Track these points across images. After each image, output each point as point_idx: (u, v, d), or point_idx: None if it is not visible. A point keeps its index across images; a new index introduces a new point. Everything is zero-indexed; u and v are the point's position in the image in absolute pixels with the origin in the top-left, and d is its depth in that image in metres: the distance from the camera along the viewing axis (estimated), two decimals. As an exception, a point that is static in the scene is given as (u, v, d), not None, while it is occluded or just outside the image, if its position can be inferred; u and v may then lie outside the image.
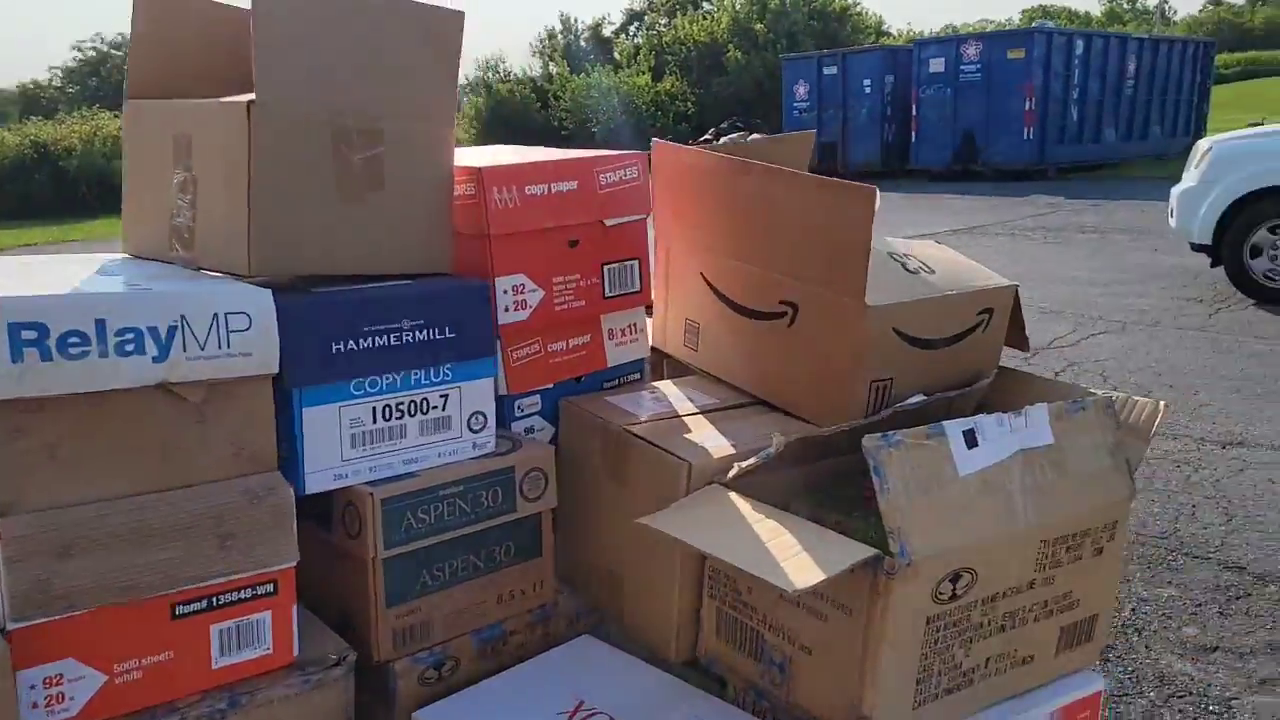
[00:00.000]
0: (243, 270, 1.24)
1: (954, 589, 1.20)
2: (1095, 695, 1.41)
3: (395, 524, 1.31)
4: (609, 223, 1.56)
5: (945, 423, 1.23)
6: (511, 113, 21.01)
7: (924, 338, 1.48)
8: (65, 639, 1.06)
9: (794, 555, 1.16)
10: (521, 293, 1.49)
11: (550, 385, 1.58)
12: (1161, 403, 1.48)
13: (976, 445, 1.25)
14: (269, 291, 1.17)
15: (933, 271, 1.54)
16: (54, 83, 43.78)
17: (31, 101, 38.71)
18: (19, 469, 1.02)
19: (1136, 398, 1.52)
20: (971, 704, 1.29)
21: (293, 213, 1.26)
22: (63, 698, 1.07)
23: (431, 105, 1.39)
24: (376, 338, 1.29)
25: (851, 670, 1.19)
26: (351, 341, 1.27)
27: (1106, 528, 1.36)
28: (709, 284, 1.61)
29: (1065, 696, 1.37)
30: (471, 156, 1.55)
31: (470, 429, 1.41)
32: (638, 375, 1.73)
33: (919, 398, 1.46)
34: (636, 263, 1.62)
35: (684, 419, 1.49)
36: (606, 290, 1.59)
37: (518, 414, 1.56)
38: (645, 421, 1.47)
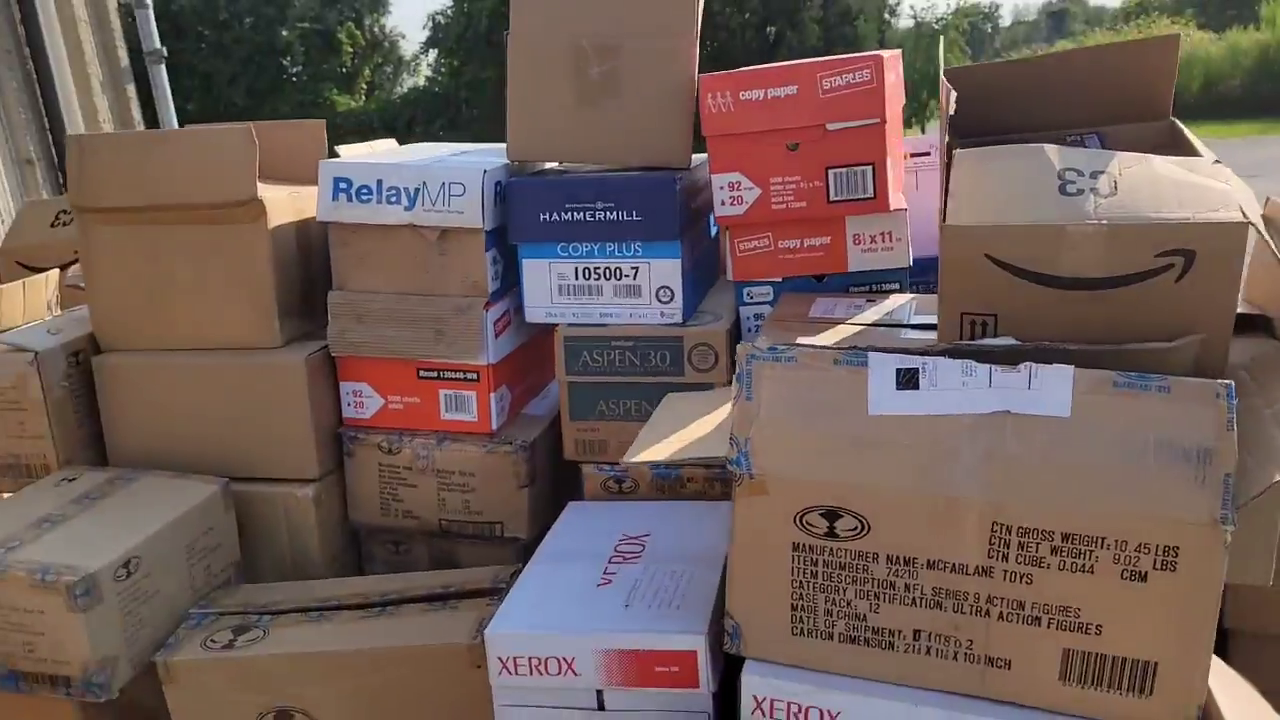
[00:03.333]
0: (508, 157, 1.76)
1: (832, 528, 1.13)
2: (1125, 761, 1.09)
3: (574, 357, 1.71)
4: (831, 127, 1.60)
5: (878, 353, 1.13)
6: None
7: (1048, 273, 1.22)
8: (362, 370, 1.79)
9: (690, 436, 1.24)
10: (737, 189, 1.67)
11: (779, 279, 1.73)
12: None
13: (915, 388, 1.11)
14: (481, 170, 1.67)
15: (1116, 194, 1.22)
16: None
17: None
18: (346, 266, 1.76)
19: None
20: (888, 671, 1.17)
21: (537, 116, 1.72)
22: (362, 405, 1.81)
23: (670, 23, 1.66)
24: (575, 213, 1.68)
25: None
26: (555, 214, 1.69)
27: (1150, 549, 1.04)
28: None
29: (1052, 730, 1.11)
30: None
31: (659, 300, 1.70)
32: (896, 285, 1.71)
33: (1008, 341, 1.23)
34: (869, 168, 1.61)
35: (837, 329, 1.52)
36: (831, 194, 1.63)
37: (746, 300, 1.75)
38: (799, 323, 1.54)
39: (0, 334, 1.81)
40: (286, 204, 1.78)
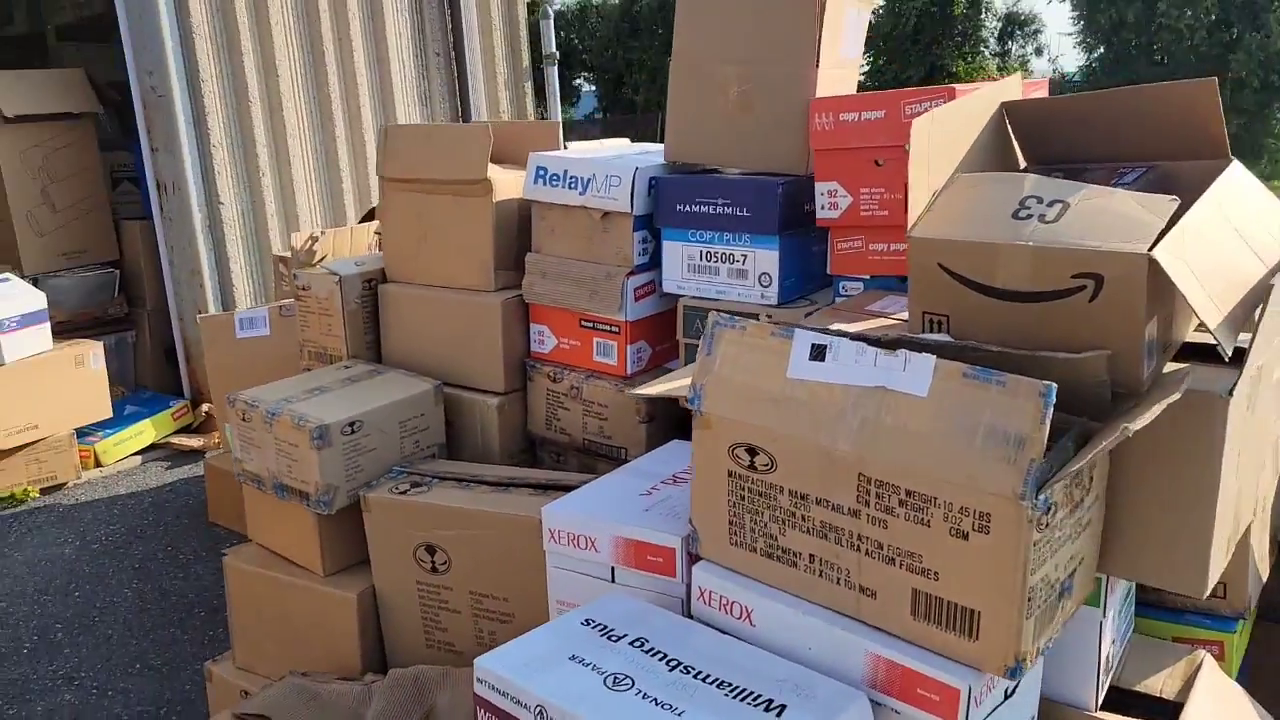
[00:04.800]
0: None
1: (752, 461, 1.45)
2: (952, 689, 1.30)
3: (690, 323, 2.10)
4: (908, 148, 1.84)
5: (801, 329, 1.42)
6: None
7: (985, 284, 1.42)
8: (544, 315, 2.31)
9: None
10: (834, 196, 1.96)
11: (868, 276, 1.98)
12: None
13: (822, 360, 1.40)
14: (634, 166, 2.11)
15: (1054, 222, 1.39)
16: None
17: None
18: (541, 234, 2.29)
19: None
20: (793, 583, 1.46)
21: (689, 125, 2.12)
22: (543, 342, 2.34)
23: (793, 52, 1.98)
24: (702, 206, 2.07)
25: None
26: (689, 205, 2.08)
27: (972, 513, 1.26)
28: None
29: (899, 654, 1.34)
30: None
31: (760, 284, 2.03)
32: (970, 291, 1.88)
33: (941, 337, 1.45)
34: (942, 185, 1.82)
35: (873, 320, 1.77)
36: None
37: (841, 293, 2.03)
38: (853, 313, 1.82)
39: (323, 261, 2.57)
40: (513, 184, 2.34)
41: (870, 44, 20.37)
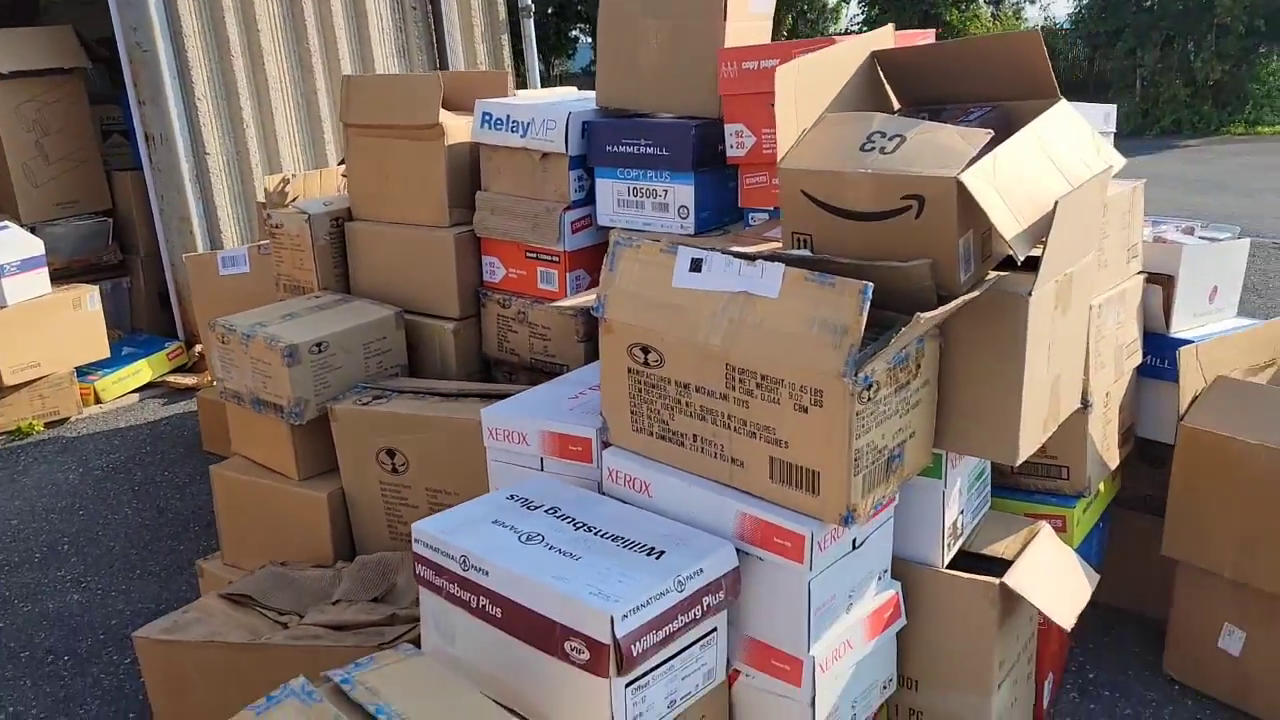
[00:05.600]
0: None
1: (646, 358, 1.73)
2: (799, 535, 1.59)
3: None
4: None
5: (683, 246, 1.70)
6: None
7: (837, 206, 1.69)
8: (493, 248, 2.58)
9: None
10: (740, 136, 2.21)
11: (772, 208, 2.24)
12: (921, 316, 1.41)
13: (699, 271, 1.67)
14: (568, 111, 2.36)
15: (892, 153, 1.65)
16: None
17: None
18: (488, 174, 2.55)
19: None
20: (681, 460, 1.74)
21: (616, 73, 2.37)
22: (494, 272, 2.61)
23: (705, 7, 2.23)
24: (628, 147, 2.32)
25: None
26: (617, 146, 2.34)
27: (808, 390, 1.54)
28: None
29: (760, 510, 1.62)
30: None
31: (679, 216, 2.30)
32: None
33: (803, 252, 1.72)
34: (828, 126, 2.08)
35: (760, 244, 2.04)
36: (802, 144, 2.12)
37: (750, 223, 2.29)
38: (749, 239, 2.09)
39: (295, 202, 2.83)
40: (464, 129, 2.60)
41: (864, -7, 20.40)
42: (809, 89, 1.81)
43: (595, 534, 1.66)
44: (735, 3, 2.24)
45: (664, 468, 1.77)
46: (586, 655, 1.45)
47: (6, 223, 4.35)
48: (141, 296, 5.23)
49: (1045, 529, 1.99)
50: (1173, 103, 13.12)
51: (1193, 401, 2.13)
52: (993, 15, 19.36)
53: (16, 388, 4.27)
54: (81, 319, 4.44)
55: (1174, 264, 2.26)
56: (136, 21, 4.56)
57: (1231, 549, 2.07)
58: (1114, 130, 2.67)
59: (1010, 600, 1.83)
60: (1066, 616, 1.82)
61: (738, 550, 1.65)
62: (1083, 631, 2.44)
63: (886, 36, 2.01)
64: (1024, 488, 2.14)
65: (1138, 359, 2.25)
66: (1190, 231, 2.46)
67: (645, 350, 1.72)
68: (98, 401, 4.61)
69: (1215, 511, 2.07)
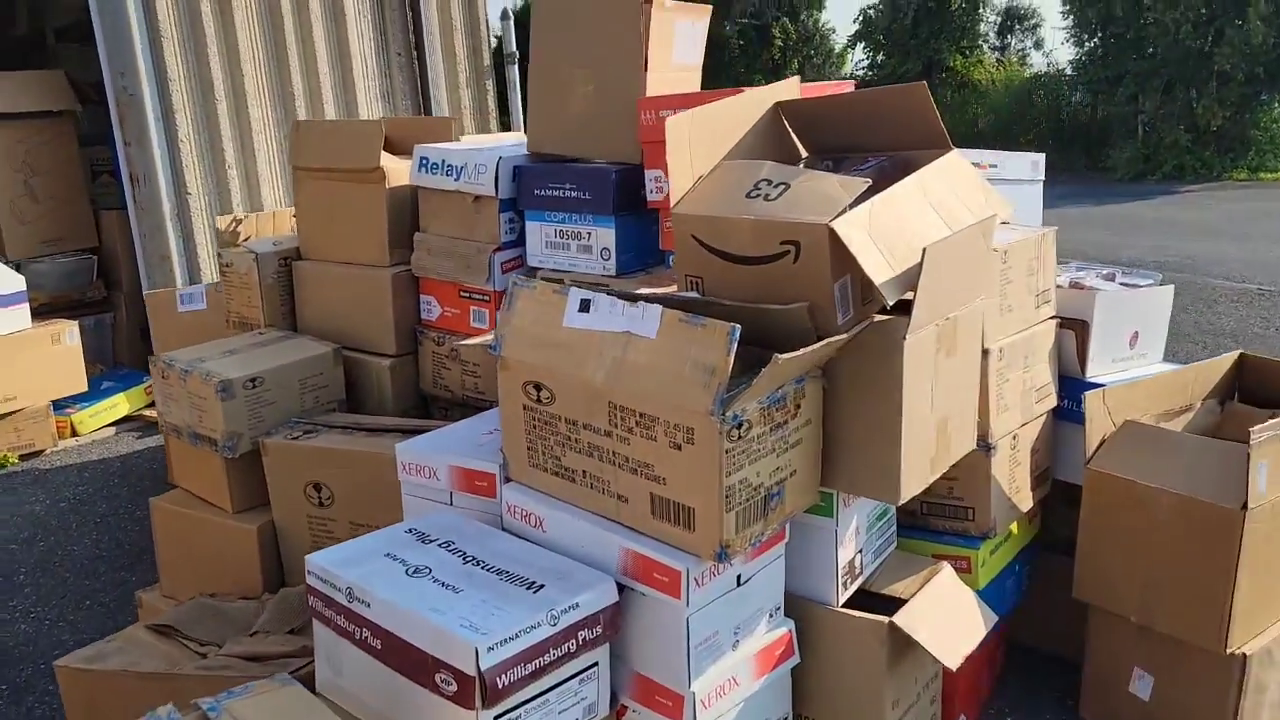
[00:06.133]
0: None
1: (539, 395, 1.78)
2: (675, 570, 1.62)
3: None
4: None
5: (574, 288, 1.75)
6: None
7: (723, 250, 1.74)
8: (430, 287, 2.64)
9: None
10: (659, 182, 2.27)
11: (690, 250, 2.29)
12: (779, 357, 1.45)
13: (587, 312, 1.72)
14: (499, 156, 2.43)
15: (775, 200, 1.71)
16: None
17: None
18: (426, 215, 2.62)
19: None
20: (572, 495, 1.78)
21: (546, 121, 2.44)
22: (430, 310, 2.67)
23: (626, 59, 2.30)
24: (553, 190, 2.39)
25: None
26: (543, 190, 2.41)
27: (680, 428, 1.58)
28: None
29: (643, 546, 1.66)
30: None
31: (601, 258, 2.36)
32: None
33: (692, 294, 1.77)
34: (738, 172, 2.14)
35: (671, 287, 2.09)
36: (715, 189, 2.18)
37: (669, 265, 2.35)
38: (655, 280, 2.14)
39: (246, 241, 2.91)
40: (405, 172, 2.67)
41: (869, 38, 20.72)
42: (706, 138, 1.87)
43: (482, 567, 1.70)
44: (657, 54, 2.32)
45: (556, 503, 1.81)
46: (454, 687, 1.49)
47: (-12, 259, 4.46)
48: (124, 332, 5.32)
49: (945, 569, 2.02)
50: (1174, 149, 13.17)
51: (1100, 445, 2.15)
52: (997, 61, 19.61)
53: (-8, 420, 4.35)
54: (60, 353, 4.52)
55: (1088, 310, 2.30)
56: (124, 66, 4.69)
57: (1137, 593, 2.08)
58: (1042, 178, 2.73)
59: (901, 639, 1.85)
60: (953, 656, 1.83)
61: (622, 585, 1.68)
62: (1003, 673, 2.45)
63: (792, 87, 2.08)
64: (932, 528, 2.17)
65: (1051, 402, 2.28)
66: (1111, 278, 2.50)
67: (538, 388, 1.77)
68: (74, 434, 4.68)
69: (1121, 555, 2.09)
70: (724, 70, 21.32)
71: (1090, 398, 2.14)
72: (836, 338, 1.58)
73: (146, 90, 4.70)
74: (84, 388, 4.64)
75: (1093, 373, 2.33)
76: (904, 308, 1.68)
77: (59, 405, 4.60)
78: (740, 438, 1.56)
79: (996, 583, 2.20)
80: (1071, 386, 2.32)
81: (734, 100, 1.94)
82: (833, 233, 1.60)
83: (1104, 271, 2.53)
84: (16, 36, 6.78)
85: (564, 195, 2.37)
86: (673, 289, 2.06)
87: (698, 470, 1.57)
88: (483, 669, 1.45)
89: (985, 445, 2.06)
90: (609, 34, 2.32)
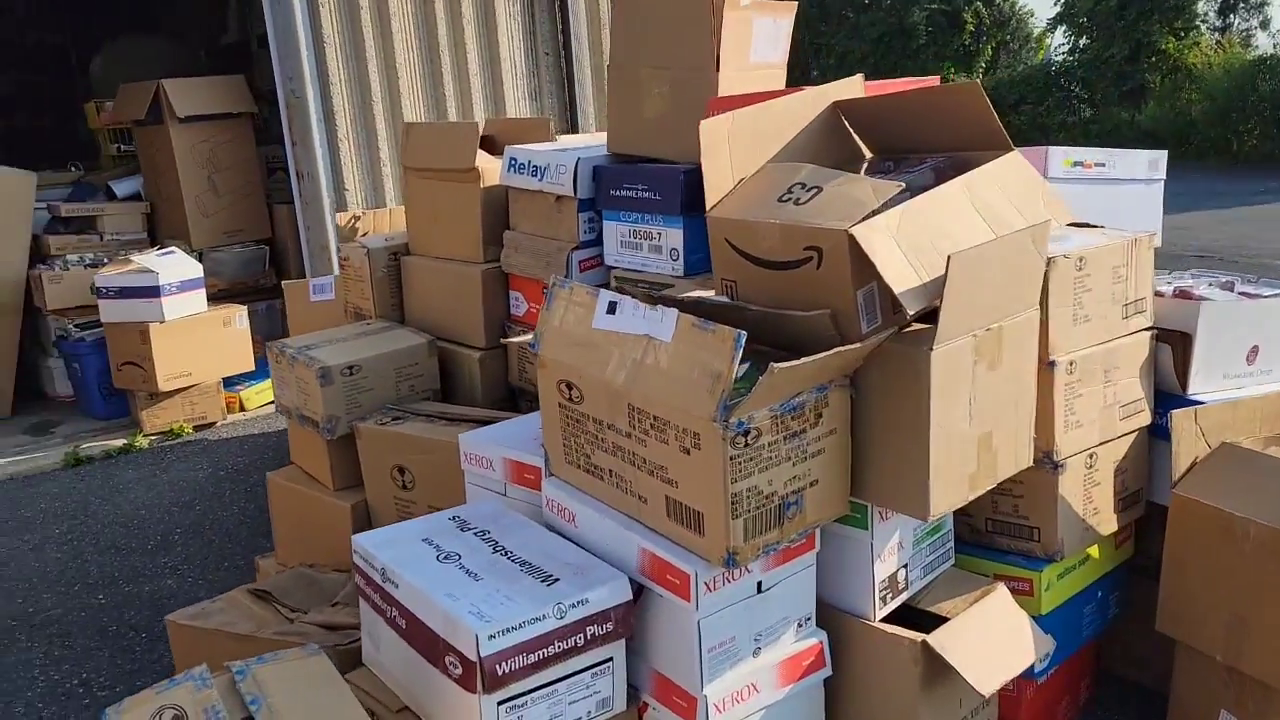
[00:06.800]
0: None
1: (570, 394, 1.82)
2: (685, 573, 1.63)
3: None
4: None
5: (604, 291, 1.78)
6: None
7: (754, 255, 1.72)
8: (518, 283, 2.73)
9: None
10: (727, 182, 2.27)
11: (758, 251, 2.27)
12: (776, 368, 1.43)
13: (614, 314, 1.75)
14: (577, 157, 2.48)
15: (804, 204, 1.68)
16: None
17: None
18: (515, 214, 2.71)
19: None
20: (600, 492, 1.82)
21: (622, 122, 2.48)
22: (519, 306, 2.76)
23: (697, 59, 2.30)
24: (627, 190, 2.42)
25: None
26: (618, 190, 2.44)
27: (689, 433, 1.59)
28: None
29: (658, 547, 1.67)
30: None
31: (670, 258, 2.37)
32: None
33: (721, 299, 1.76)
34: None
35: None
36: (779, 190, 2.16)
37: (740, 265, 2.33)
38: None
39: (364, 237, 3.09)
40: (498, 172, 2.77)
41: (1071, 20, 19.46)
42: (749, 140, 1.85)
43: (508, 558, 1.76)
44: (732, 53, 2.30)
45: (587, 499, 1.85)
46: (460, 670, 1.55)
47: (173, 248, 4.93)
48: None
49: (1000, 590, 1.92)
50: None
51: (1190, 468, 1.99)
52: (1216, 43, 18.03)
53: (171, 393, 4.80)
54: (230, 335, 4.94)
55: (1190, 321, 2.12)
56: (292, 72, 5.06)
57: (1223, 630, 1.91)
58: (1161, 177, 2.54)
59: (939, 659, 1.78)
60: (987, 683, 1.75)
61: (642, 584, 1.70)
62: (1090, 705, 2.30)
63: (854, 86, 2.02)
64: (996, 546, 2.07)
65: (1142, 420, 2.12)
66: (1229, 286, 2.30)
67: (570, 386, 1.81)
68: (242, 409, 5.11)
69: (1206, 589, 1.93)
70: (911, 59, 20.60)
71: (1177, 416, 1.98)
72: (846, 348, 1.54)
73: (310, 93, 5.04)
74: (251, 367, 5.05)
75: (1195, 389, 2.15)
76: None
77: (229, 382, 5.04)
78: (747, 445, 1.55)
79: (1067, 608, 2.07)
80: (1170, 404, 2.15)
81: (781, 101, 1.91)
82: (853, 239, 1.56)
83: (1222, 279, 2.33)
84: (227, 44, 7.48)
85: (636, 195, 2.40)
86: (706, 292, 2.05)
87: (705, 475, 1.57)
88: (483, 655, 1.51)
89: (1052, 463, 1.94)
90: (680, 34, 2.33)
